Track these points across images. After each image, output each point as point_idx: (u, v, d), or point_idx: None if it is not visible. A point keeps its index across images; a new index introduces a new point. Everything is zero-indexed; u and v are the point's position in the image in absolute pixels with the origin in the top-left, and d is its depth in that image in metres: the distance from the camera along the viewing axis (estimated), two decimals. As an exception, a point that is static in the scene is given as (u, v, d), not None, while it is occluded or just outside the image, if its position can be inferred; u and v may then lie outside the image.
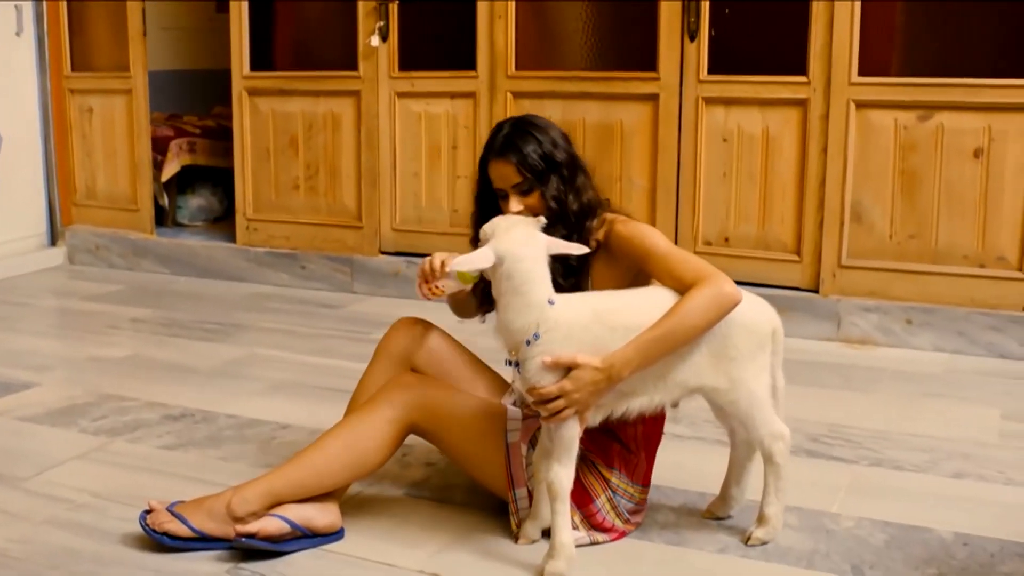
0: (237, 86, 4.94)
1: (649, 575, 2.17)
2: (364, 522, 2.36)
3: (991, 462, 2.77)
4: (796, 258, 4.03)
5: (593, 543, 2.24)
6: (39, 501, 2.49)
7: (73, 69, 5.44)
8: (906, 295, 3.87)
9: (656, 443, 2.33)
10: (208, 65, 6.33)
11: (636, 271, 2.22)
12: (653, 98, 4.16)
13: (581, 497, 2.22)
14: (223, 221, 5.68)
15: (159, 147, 5.47)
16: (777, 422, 2.20)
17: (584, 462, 2.21)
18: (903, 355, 3.78)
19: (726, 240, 4.12)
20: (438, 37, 4.68)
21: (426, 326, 2.45)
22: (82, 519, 2.40)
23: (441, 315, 2.53)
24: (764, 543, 2.26)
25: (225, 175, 5.51)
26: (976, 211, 3.75)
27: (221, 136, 5.69)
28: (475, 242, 2.23)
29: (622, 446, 2.27)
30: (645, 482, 2.31)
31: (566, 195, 2.21)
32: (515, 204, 2.22)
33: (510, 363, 2.12)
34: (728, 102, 4.06)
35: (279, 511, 2.20)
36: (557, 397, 2.05)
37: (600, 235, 2.24)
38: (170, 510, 2.21)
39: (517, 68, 4.40)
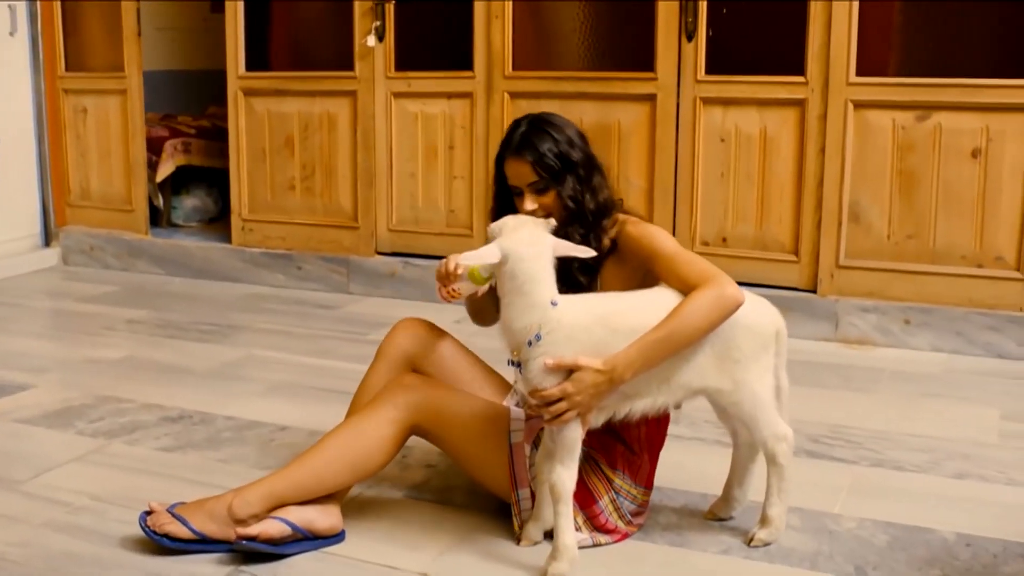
0: (232, 86, 4.93)
1: (652, 576, 2.16)
2: (365, 524, 2.35)
3: (991, 462, 2.77)
4: (794, 258, 4.03)
5: (596, 544, 2.24)
6: (37, 504, 2.48)
7: (67, 69, 5.42)
8: (904, 295, 3.87)
9: (659, 445, 2.33)
10: (203, 65, 6.33)
11: (645, 272, 2.21)
12: (651, 98, 4.16)
13: (584, 498, 2.21)
14: (218, 222, 5.66)
15: (154, 147, 5.45)
16: (780, 423, 2.20)
17: (588, 463, 2.21)
18: (901, 355, 3.78)
19: (724, 240, 4.12)
20: (435, 37, 4.67)
21: (429, 327, 2.44)
22: (81, 522, 2.38)
23: (441, 315, 2.51)
24: (767, 544, 2.26)
25: (220, 175, 5.49)
26: (974, 211, 3.75)
27: (216, 136, 5.68)
28: None
29: (626, 447, 2.26)
30: (648, 484, 2.31)
31: (583, 195, 2.20)
32: (529, 203, 2.21)
33: (512, 363, 2.11)
34: (726, 102, 4.05)
35: (280, 513, 2.19)
36: (559, 399, 2.04)
37: (612, 235, 2.24)
38: (171, 512, 2.20)
39: (514, 68, 4.39)
